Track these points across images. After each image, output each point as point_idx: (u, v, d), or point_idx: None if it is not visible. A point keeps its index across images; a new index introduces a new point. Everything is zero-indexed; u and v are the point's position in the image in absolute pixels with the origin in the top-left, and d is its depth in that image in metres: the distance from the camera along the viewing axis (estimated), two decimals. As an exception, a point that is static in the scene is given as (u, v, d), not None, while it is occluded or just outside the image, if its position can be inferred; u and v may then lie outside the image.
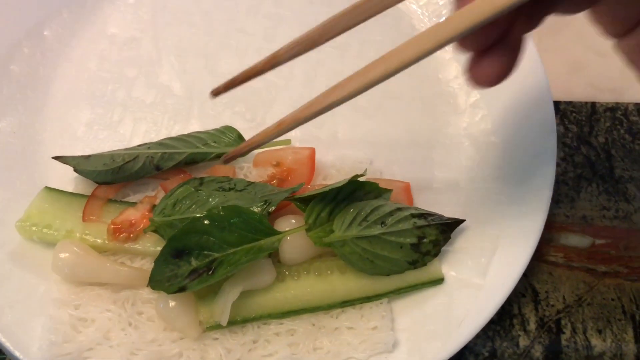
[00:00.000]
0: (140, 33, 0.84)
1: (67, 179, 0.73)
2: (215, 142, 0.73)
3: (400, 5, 0.88)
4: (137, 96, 0.80)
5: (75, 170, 0.70)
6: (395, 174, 0.77)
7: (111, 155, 0.70)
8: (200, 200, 0.67)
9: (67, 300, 0.64)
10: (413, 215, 0.69)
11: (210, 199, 0.67)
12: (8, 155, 0.73)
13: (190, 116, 0.79)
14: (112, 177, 0.70)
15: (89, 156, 0.70)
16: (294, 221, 0.68)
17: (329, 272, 0.68)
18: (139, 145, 0.72)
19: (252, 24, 0.86)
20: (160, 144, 0.71)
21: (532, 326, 0.72)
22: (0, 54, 0.78)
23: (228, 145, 0.73)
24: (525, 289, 0.74)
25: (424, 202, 0.74)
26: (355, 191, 0.69)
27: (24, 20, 0.80)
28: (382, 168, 0.77)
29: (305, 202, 0.68)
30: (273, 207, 0.65)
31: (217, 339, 0.64)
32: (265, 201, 0.67)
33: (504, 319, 0.72)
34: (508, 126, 0.78)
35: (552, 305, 0.73)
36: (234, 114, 0.79)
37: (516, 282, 0.66)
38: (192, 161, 0.72)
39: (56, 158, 0.70)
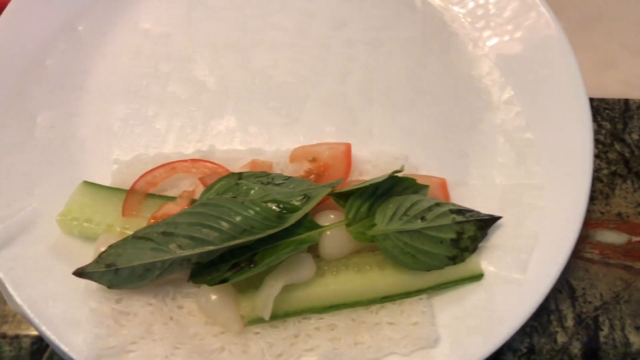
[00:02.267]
0: (173, 28, 0.84)
1: (104, 172, 0.73)
2: (253, 227, 0.63)
3: (431, 1, 0.90)
4: (171, 91, 0.80)
5: (109, 287, 0.63)
6: (430, 170, 0.77)
7: (143, 266, 0.62)
8: (241, 193, 0.67)
9: (108, 294, 0.64)
10: (452, 211, 0.69)
11: (252, 192, 0.67)
12: (47, 150, 0.73)
13: (225, 112, 0.79)
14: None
15: (117, 270, 0.62)
16: (332, 216, 0.67)
17: (367, 267, 0.67)
18: (165, 235, 0.61)
19: (285, 19, 0.86)
20: (192, 237, 0.62)
21: (569, 323, 0.72)
22: (36, 49, 0.78)
23: (268, 228, 0.63)
24: (562, 286, 0.74)
25: (460, 198, 0.74)
26: (394, 186, 0.69)
27: (59, 15, 0.81)
28: (418, 164, 0.77)
29: (344, 197, 0.68)
30: (315, 201, 0.65)
31: (258, 333, 0.64)
32: (305, 195, 0.67)
33: (542, 315, 0.72)
34: (543, 123, 0.78)
35: (590, 302, 0.73)
36: (269, 110, 0.79)
37: (556, 279, 0.66)
38: None
39: (78, 274, 0.62)
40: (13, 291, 0.62)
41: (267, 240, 0.64)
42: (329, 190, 0.67)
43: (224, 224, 0.63)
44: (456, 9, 0.87)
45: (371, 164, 0.75)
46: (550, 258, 0.68)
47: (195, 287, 0.66)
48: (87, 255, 0.66)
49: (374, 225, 0.66)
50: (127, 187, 0.71)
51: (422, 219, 0.66)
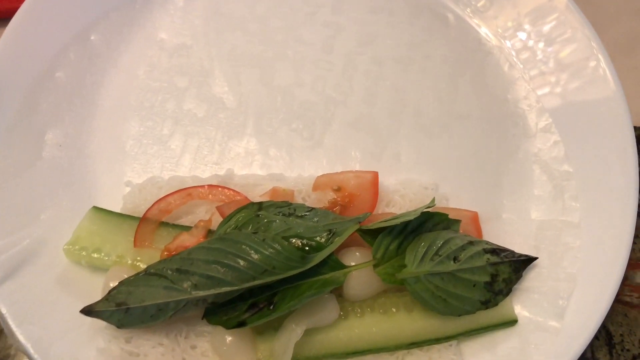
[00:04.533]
0: (191, 39, 0.79)
1: (115, 195, 0.69)
2: (274, 267, 0.58)
3: (466, 17, 0.84)
4: (188, 108, 0.75)
5: (119, 327, 0.59)
6: (461, 200, 0.72)
7: (156, 306, 0.57)
8: (261, 227, 0.63)
9: (117, 333, 0.60)
10: (485, 251, 0.64)
11: (273, 225, 0.62)
12: (54, 171, 0.69)
13: (245, 133, 0.74)
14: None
15: (128, 309, 0.57)
16: (358, 254, 0.63)
17: (394, 309, 0.63)
18: (180, 272, 0.57)
19: (309, 33, 0.80)
20: (208, 276, 0.57)
21: (606, 372, 0.67)
22: (46, 60, 0.73)
23: (290, 268, 0.58)
24: (599, 332, 0.69)
25: (493, 234, 0.70)
26: (425, 222, 0.65)
27: (71, 24, 0.76)
28: (448, 194, 0.72)
29: (372, 233, 0.64)
30: (341, 239, 0.61)
31: (276, 378, 0.60)
32: (330, 230, 0.62)
33: (576, 363, 0.68)
34: (583, 154, 0.73)
35: (628, 350, 0.68)
36: (291, 131, 0.75)
37: (597, 327, 0.62)
38: None
39: (86, 313, 0.57)
40: (16, 328, 0.58)
41: (288, 279, 0.60)
42: (356, 227, 0.62)
43: (243, 263, 0.58)
44: (497, 27, 0.82)
45: (399, 193, 0.71)
46: (590, 305, 0.64)
47: (210, 326, 0.62)
48: (95, 287, 0.62)
49: (404, 266, 0.61)
50: (139, 214, 0.66)
51: (455, 259, 0.62)
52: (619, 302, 0.71)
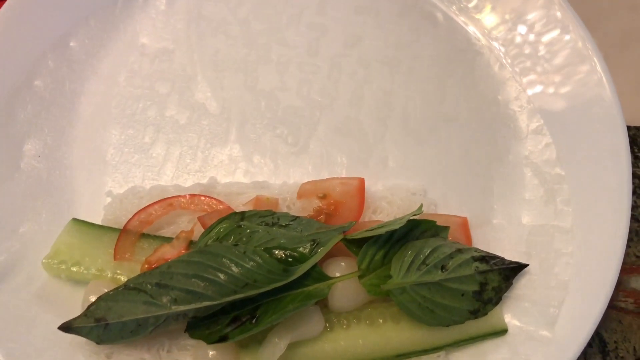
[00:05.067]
0: (172, 44, 0.77)
1: (95, 206, 0.67)
2: (256, 280, 0.57)
3: (454, 16, 0.82)
4: (170, 115, 0.73)
5: (98, 343, 0.58)
6: (450, 206, 0.71)
7: (136, 322, 0.56)
8: (243, 237, 0.61)
9: (97, 348, 0.59)
10: (474, 259, 0.63)
11: (255, 235, 0.61)
12: (33, 182, 0.67)
13: (228, 139, 0.73)
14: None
15: (107, 325, 0.56)
16: (343, 264, 0.61)
17: (380, 320, 0.62)
18: (160, 287, 0.56)
19: (294, 35, 0.78)
20: (188, 290, 0.56)
21: (599, 380, 0.66)
22: (24, 68, 0.71)
23: (273, 282, 0.57)
24: (592, 339, 0.67)
25: (482, 240, 0.68)
26: (411, 230, 0.63)
27: (49, 31, 0.74)
28: (437, 199, 0.71)
29: (357, 243, 0.62)
30: (324, 250, 0.59)
31: (260, 393, 0.59)
32: (314, 241, 0.61)
33: (569, 371, 0.66)
34: (576, 157, 0.70)
35: (622, 357, 0.67)
36: (276, 137, 0.73)
37: (590, 335, 0.60)
38: None
39: (65, 329, 0.56)
40: (-7, 346, 0.57)
41: (271, 292, 0.58)
42: (340, 237, 0.60)
43: (224, 277, 0.57)
44: (484, 26, 0.80)
45: (386, 200, 0.69)
46: (582, 312, 0.62)
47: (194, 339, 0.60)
48: (75, 300, 0.61)
49: (389, 276, 0.60)
50: (121, 225, 0.65)
51: (443, 268, 0.60)
52: (613, 308, 0.69)
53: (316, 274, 0.59)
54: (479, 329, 0.62)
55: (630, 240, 0.73)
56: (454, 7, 0.80)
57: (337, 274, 0.60)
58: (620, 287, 0.70)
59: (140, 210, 0.65)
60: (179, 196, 0.66)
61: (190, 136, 0.73)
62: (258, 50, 0.77)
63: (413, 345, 0.61)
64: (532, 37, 0.76)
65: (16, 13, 0.72)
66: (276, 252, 0.59)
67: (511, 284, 0.63)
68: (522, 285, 0.65)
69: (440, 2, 0.80)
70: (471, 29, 0.79)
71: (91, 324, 0.57)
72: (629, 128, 0.80)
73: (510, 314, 0.63)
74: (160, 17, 0.79)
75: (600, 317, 0.61)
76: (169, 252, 0.63)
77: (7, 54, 0.71)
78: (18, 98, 0.70)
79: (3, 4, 0.72)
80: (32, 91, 0.71)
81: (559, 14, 0.75)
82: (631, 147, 0.79)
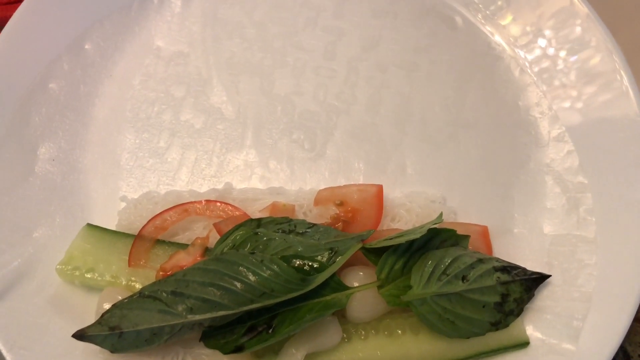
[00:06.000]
0: (188, 47, 0.76)
1: (109, 211, 0.67)
2: (273, 290, 0.55)
3: (474, 20, 0.80)
4: (185, 119, 0.72)
5: (112, 352, 0.57)
6: (470, 214, 0.69)
7: (151, 330, 0.55)
8: (260, 245, 0.60)
9: (111, 357, 0.58)
10: (496, 269, 0.61)
11: (272, 243, 0.60)
12: (47, 186, 0.67)
13: (244, 144, 0.71)
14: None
15: (121, 333, 0.55)
16: (362, 274, 0.60)
17: (399, 331, 0.60)
18: (175, 295, 0.55)
19: (310, 39, 0.77)
20: (204, 299, 0.55)
21: (623, 395, 0.64)
22: (39, 71, 0.71)
23: (290, 291, 0.56)
24: (617, 353, 0.65)
25: (503, 249, 0.67)
26: (431, 239, 0.62)
27: (64, 33, 0.73)
28: (456, 207, 0.69)
29: (376, 252, 0.61)
30: (343, 259, 0.58)
31: (276, 405, 0.58)
32: (332, 249, 0.59)
33: (592, 385, 0.64)
34: (599, 165, 0.69)
35: (646, 371, 0.65)
36: (292, 142, 0.72)
37: (616, 350, 0.59)
38: None
39: (78, 337, 0.55)
40: (7, 353, 0.56)
41: (288, 302, 0.57)
42: (359, 246, 0.59)
43: (240, 286, 0.56)
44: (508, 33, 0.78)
45: (404, 207, 0.68)
46: (607, 325, 0.60)
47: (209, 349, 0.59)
48: (89, 307, 0.60)
49: (409, 286, 0.58)
50: (135, 230, 0.64)
51: (464, 279, 0.59)
52: (637, 320, 0.67)
53: (334, 284, 0.58)
54: (500, 341, 0.61)
55: (654, 250, 0.71)
56: (473, 12, 0.78)
57: (355, 284, 0.59)
58: (644, 299, 0.68)
59: (156, 216, 0.64)
60: (195, 202, 0.65)
61: (205, 141, 0.72)
62: (274, 54, 0.76)
63: (432, 357, 0.59)
64: (554, 43, 0.74)
65: (31, 15, 0.72)
66: (294, 261, 0.58)
67: (533, 295, 0.62)
68: (544, 297, 0.63)
69: (460, 6, 0.79)
70: (491, 33, 0.78)
71: (105, 332, 0.56)
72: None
73: (531, 326, 0.62)
74: (176, 19, 0.78)
75: (626, 331, 0.60)
76: (184, 259, 0.61)
77: (22, 57, 0.70)
78: (33, 101, 0.69)
79: (17, 6, 0.72)
80: (47, 94, 0.71)
81: (589, 24, 0.73)
82: (655, 156, 0.77)
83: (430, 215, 0.67)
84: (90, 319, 0.58)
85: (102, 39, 0.75)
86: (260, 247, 0.60)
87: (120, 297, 0.58)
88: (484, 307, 0.59)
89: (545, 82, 0.75)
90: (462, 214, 0.69)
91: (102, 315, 0.56)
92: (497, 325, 0.60)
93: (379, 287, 0.59)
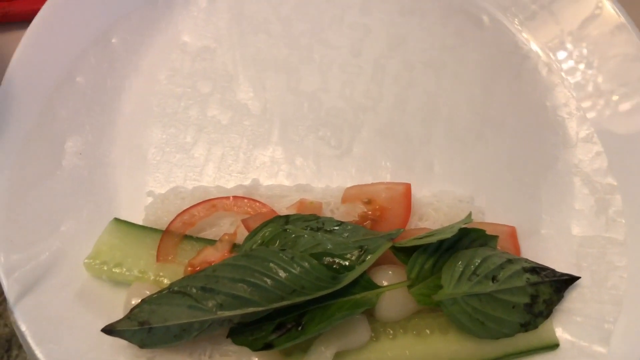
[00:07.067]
0: (214, 42, 0.76)
1: (137, 206, 0.66)
2: (303, 287, 0.55)
3: (502, 19, 0.80)
4: (212, 115, 0.72)
5: (141, 347, 0.57)
6: (498, 214, 0.69)
7: (180, 326, 0.55)
8: (288, 242, 0.60)
9: (139, 352, 0.58)
10: (525, 270, 0.61)
11: (300, 240, 0.59)
12: (74, 180, 0.66)
13: (270, 141, 0.71)
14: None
15: (151, 328, 0.55)
16: (391, 273, 0.60)
17: (428, 331, 0.60)
18: (205, 290, 0.54)
19: (336, 36, 0.77)
20: (234, 295, 0.55)
21: (651, 399, 0.63)
22: (66, 64, 0.70)
23: (320, 289, 0.56)
24: (645, 356, 0.65)
25: (531, 251, 0.66)
26: (461, 239, 0.61)
27: (91, 27, 0.73)
28: (484, 207, 0.69)
29: (405, 251, 0.60)
30: (373, 258, 0.57)
31: (304, 403, 0.57)
32: (361, 247, 0.59)
33: (620, 389, 0.64)
34: (629, 166, 0.68)
35: (675, 376, 0.64)
36: (318, 139, 0.71)
37: (646, 355, 0.58)
38: None
39: (108, 332, 0.55)
40: (36, 347, 0.56)
41: (318, 299, 0.57)
42: (389, 244, 0.59)
43: (271, 282, 0.55)
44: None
45: (432, 207, 0.67)
46: (638, 328, 0.60)
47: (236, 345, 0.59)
48: (116, 302, 0.60)
49: (440, 286, 0.58)
50: (162, 225, 0.64)
51: (494, 279, 0.59)
52: (666, 323, 0.67)
53: (364, 282, 0.58)
54: (529, 342, 0.60)
55: (683, 254, 0.70)
56: (501, 10, 0.78)
57: (385, 283, 0.59)
58: (673, 302, 0.68)
59: (184, 211, 0.64)
60: (222, 198, 0.65)
61: (232, 137, 0.71)
62: (300, 51, 0.76)
63: (461, 357, 0.59)
64: (584, 44, 0.74)
65: (58, 9, 0.72)
66: (324, 259, 0.58)
67: (562, 296, 0.61)
68: (573, 299, 0.63)
69: (488, 5, 0.78)
70: (519, 32, 0.77)
71: (135, 328, 0.55)
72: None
73: (561, 328, 0.61)
74: (202, 15, 0.77)
75: (657, 335, 0.59)
76: (212, 255, 0.61)
77: (50, 50, 0.70)
78: (60, 94, 0.69)
79: (45, 1, 0.72)
80: (74, 88, 0.70)
81: (615, 29, 0.73)
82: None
83: (458, 215, 0.66)
84: (117, 314, 0.58)
85: (129, 34, 0.75)
86: (289, 244, 0.60)
87: (148, 293, 0.58)
88: (513, 307, 0.59)
89: (573, 82, 0.74)
90: (489, 214, 0.69)
91: (131, 310, 0.56)
92: (527, 326, 0.59)
93: (409, 286, 0.58)
